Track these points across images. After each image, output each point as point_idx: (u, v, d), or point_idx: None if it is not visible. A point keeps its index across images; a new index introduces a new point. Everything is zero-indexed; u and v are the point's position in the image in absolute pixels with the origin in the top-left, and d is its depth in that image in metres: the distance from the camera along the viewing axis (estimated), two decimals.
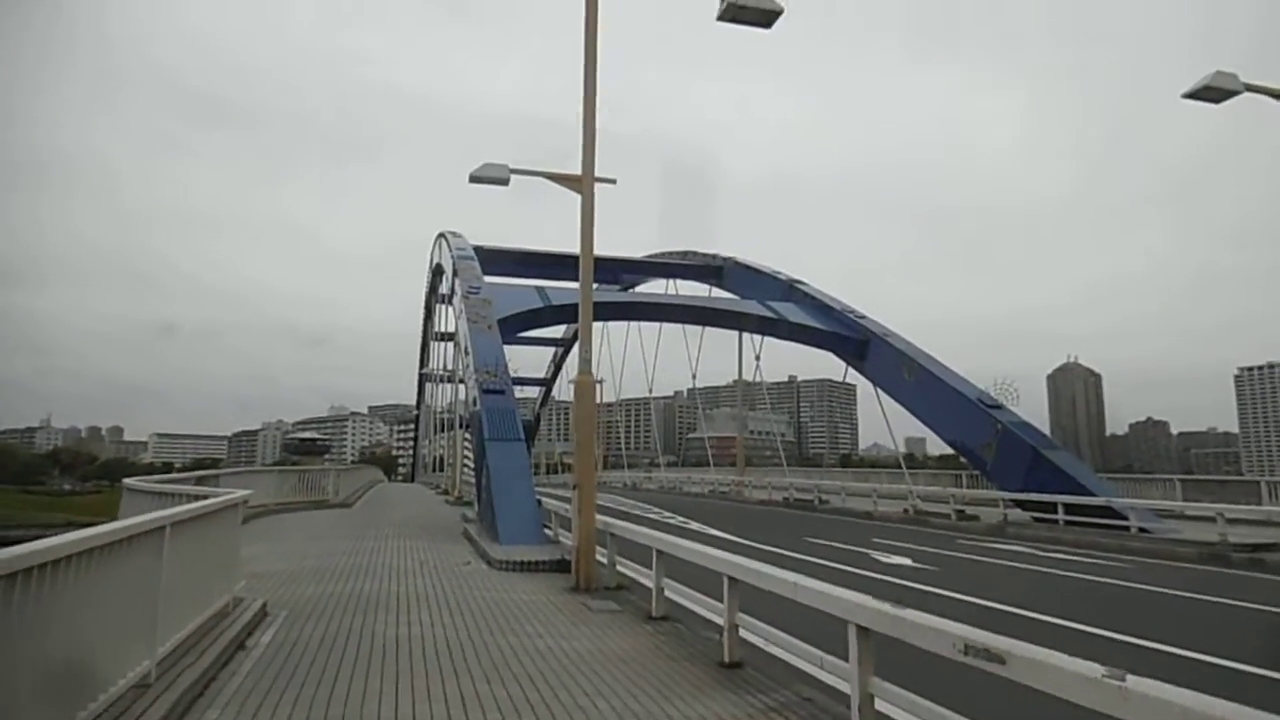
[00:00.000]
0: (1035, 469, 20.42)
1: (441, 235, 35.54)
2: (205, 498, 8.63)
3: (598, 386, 59.94)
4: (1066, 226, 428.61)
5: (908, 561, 14.32)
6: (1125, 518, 17.96)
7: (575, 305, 29.46)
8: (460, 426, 39.77)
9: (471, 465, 44.99)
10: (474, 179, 10.55)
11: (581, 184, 10.69)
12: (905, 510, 24.30)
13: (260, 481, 21.56)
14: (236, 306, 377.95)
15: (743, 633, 6.67)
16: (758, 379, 37.52)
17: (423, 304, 63.11)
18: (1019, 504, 20.88)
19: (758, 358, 36.66)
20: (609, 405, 67.44)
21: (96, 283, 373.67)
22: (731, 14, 10.27)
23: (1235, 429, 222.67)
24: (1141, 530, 17.42)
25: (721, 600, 6.67)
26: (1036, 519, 20.11)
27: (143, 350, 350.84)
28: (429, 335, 63.51)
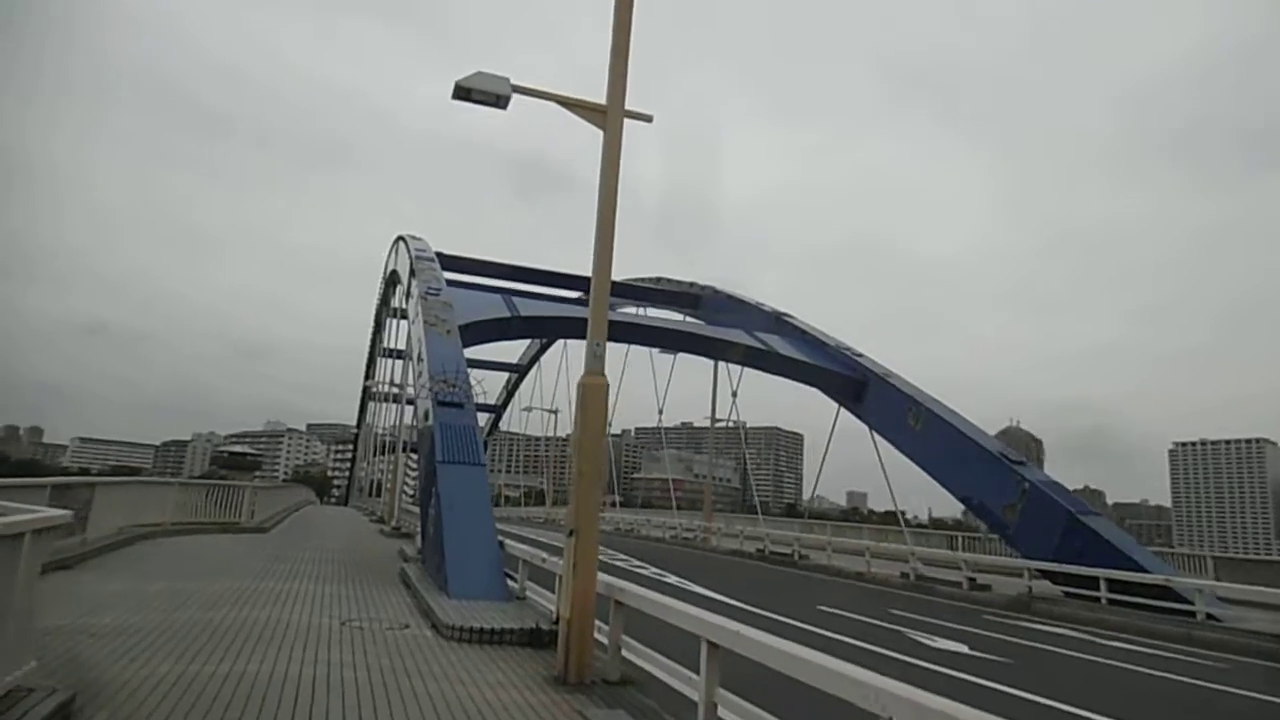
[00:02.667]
0: (1070, 536, 17.81)
1: (400, 238, 32.25)
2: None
3: (553, 418, 56.58)
4: (1019, 301, 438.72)
5: (962, 648, 11.43)
6: (1185, 600, 15.37)
7: (547, 319, 26.52)
8: (404, 449, 36.19)
9: (413, 492, 41.10)
10: (461, 90, 7.56)
11: (606, 117, 7.79)
12: (904, 574, 21.49)
13: (155, 495, 17.86)
14: (175, 310, 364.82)
15: None
16: (734, 418, 34.67)
17: (373, 317, 59.57)
18: (1046, 576, 18.23)
19: (734, 394, 33.88)
20: (563, 439, 63.99)
21: (26, 277, 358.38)
22: None
23: (1168, 502, 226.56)
24: (1209, 618, 14.81)
25: None
26: (1069, 594, 17.46)
27: (74, 350, 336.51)
28: (376, 351, 59.84)
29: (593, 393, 7.43)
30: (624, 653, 7.25)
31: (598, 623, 7.37)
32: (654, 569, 20.29)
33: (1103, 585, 16.51)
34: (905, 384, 23.69)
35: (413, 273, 24.24)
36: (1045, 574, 18.20)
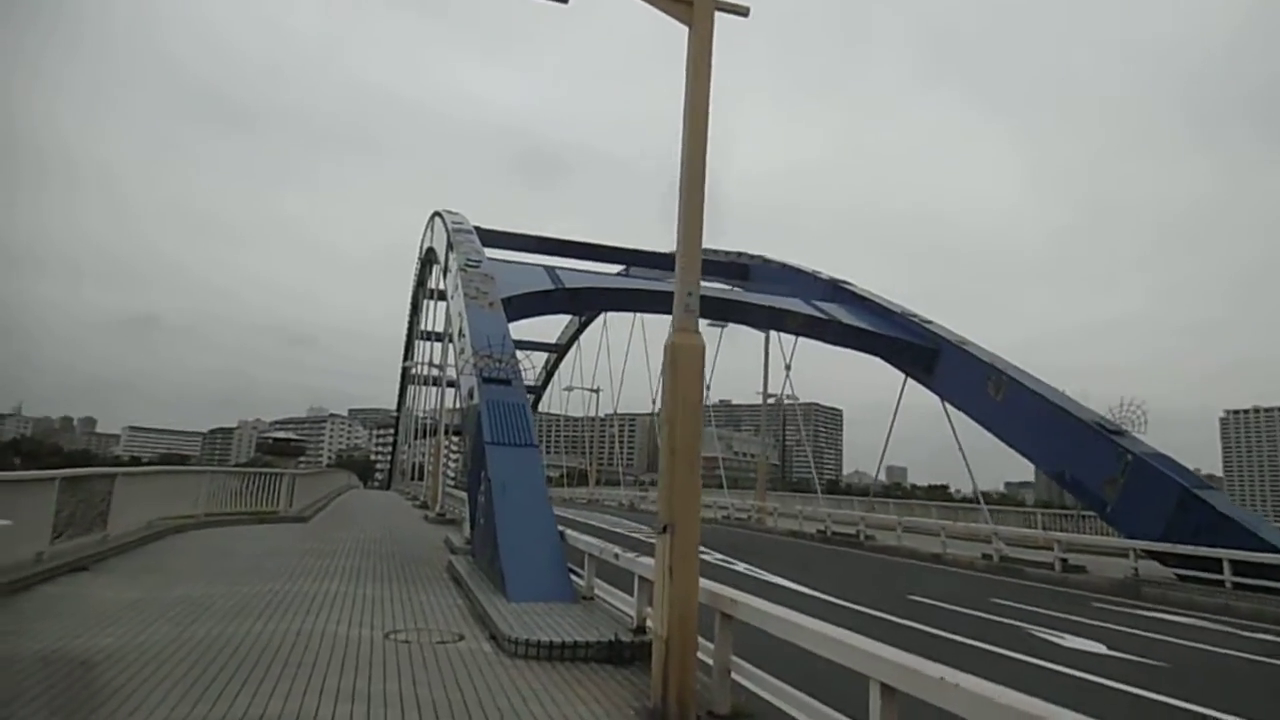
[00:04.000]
0: (1183, 513, 16.00)
1: (436, 214, 30.94)
2: None
3: (594, 397, 55.34)
4: (1059, 272, 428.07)
5: (1098, 648, 9.83)
6: None
7: (592, 290, 25.00)
8: (447, 432, 35.16)
9: (454, 475, 40.01)
10: None
11: (693, 9, 6.26)
12: (985, 556, 19.83)
13: (187, 485, 16.75)
14: (221, 302, 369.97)
15: None
16: (787, 392, 33.01)
17: (409, 300, 58.74)
18: (1154, 556, 16.49)
19: (788, 367, 32.21)
20: (603, 419, 62.83)
21: (79, 272, 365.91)
22: None
23: (1219, 471, 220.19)
24: None
25: None
26: (1184, 578, 15.72)
27: (124, 342, 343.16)
28: (414, 334, 59.09)
29: (686, 354, 5.95)
30: (734, 676, 5.81)
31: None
32: (717, 554, 18.85)
33: (1226, 568, 14.75)
34: (983, 351, 21.91)
35: (450, 246, 22.94)
36: (1153, 555, 16.45)
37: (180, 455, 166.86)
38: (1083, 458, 18.28)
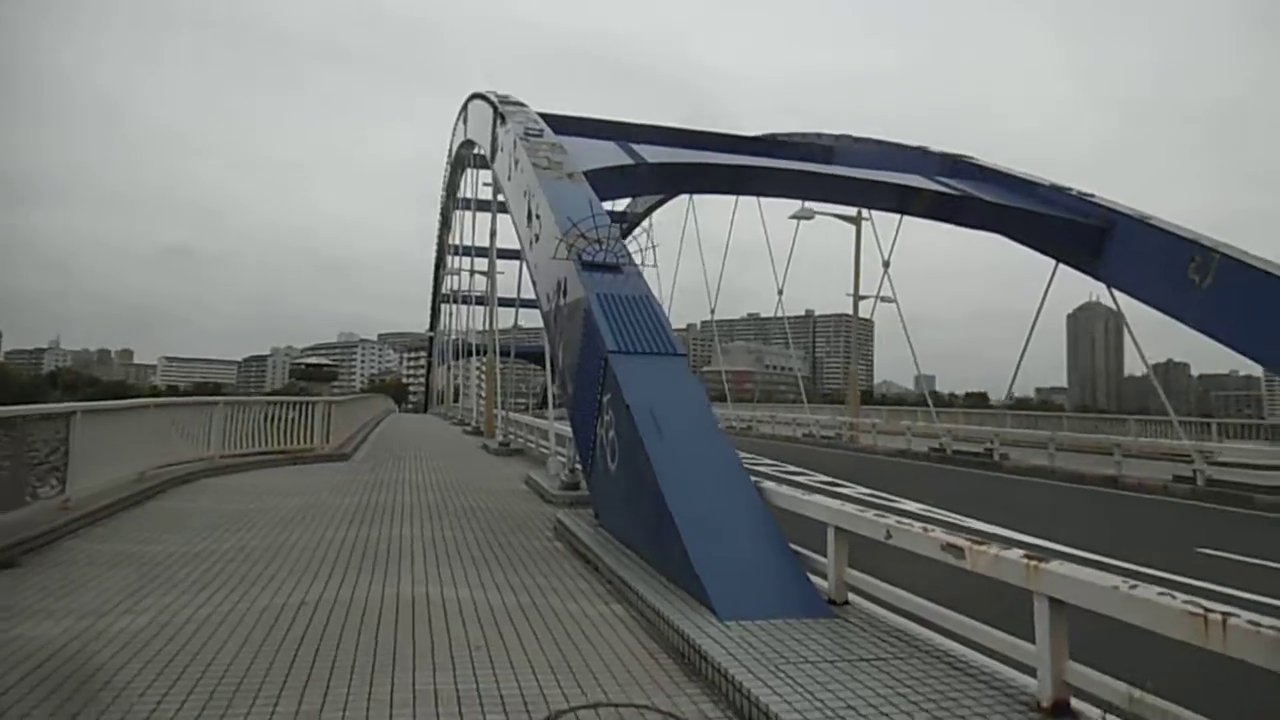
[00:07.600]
0: None
1: (474, 96, 25.79)
2: None
3: None
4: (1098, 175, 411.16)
5: None
6: None
7: (680, 165, 20.50)
8: (475, 353, 31.21)
9: (481, 393, 35.86)
10: None
11: None
12: (1181, 477, 15.91)
13: (195, 420, 13.01)
14: (249, 230, 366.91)
15: None
16: (885, 293, 28.40)
17: (439, 213, 54.48)
18: None
19: (886, 264, 27.64)
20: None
21: (114, 203, 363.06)
22: None
23: (1258, 371, 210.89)
24: None
25: None
26: None
27: (159, 272, 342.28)
28: (444, 249, 55.11)
29: None
30: None
31: None
32: (860, 488, 15.04)
33: None
34: (1176, 226, 17.42)
35: (501, 119, 18.57)
36: None
37: (216, 384, 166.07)
38: None
